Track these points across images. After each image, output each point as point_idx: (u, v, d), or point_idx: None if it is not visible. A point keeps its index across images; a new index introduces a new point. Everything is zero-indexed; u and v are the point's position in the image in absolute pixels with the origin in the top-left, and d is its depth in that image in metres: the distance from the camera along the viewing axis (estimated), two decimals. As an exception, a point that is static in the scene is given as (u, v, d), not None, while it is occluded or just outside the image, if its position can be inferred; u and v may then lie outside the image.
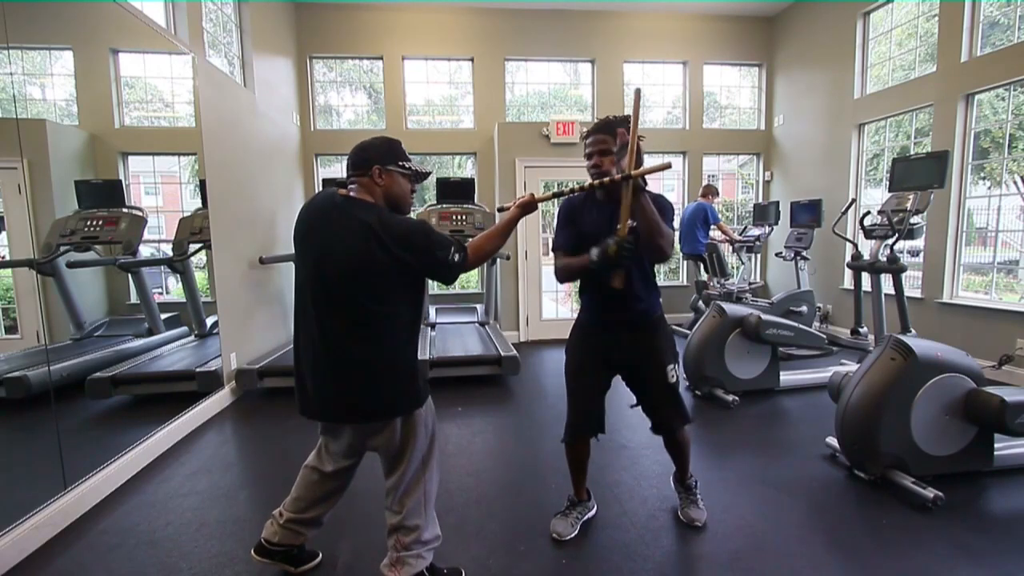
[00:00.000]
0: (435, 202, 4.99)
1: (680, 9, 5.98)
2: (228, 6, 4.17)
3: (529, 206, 1.65)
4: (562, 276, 1.81)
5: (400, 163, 1.42)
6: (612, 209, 1.70)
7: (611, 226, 1.65)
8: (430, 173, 1.58)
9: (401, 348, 1.43)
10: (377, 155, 1.40)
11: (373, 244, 1.31)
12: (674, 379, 1.81)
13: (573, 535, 1.89)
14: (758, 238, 5.49)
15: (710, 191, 5.36)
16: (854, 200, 4.65)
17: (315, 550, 1.76)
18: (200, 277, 3.64)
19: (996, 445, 2.25)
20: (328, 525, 1.73)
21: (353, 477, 1.67)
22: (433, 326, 4.93)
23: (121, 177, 2.93)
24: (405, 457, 1.49)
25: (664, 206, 1.70)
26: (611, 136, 1.70)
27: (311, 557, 1.73)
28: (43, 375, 2.14)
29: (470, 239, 1.62)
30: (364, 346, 1.37)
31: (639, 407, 1.90)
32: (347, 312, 1.36)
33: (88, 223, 2.71)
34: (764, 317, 3.27)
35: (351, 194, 1.41)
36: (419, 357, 3.80)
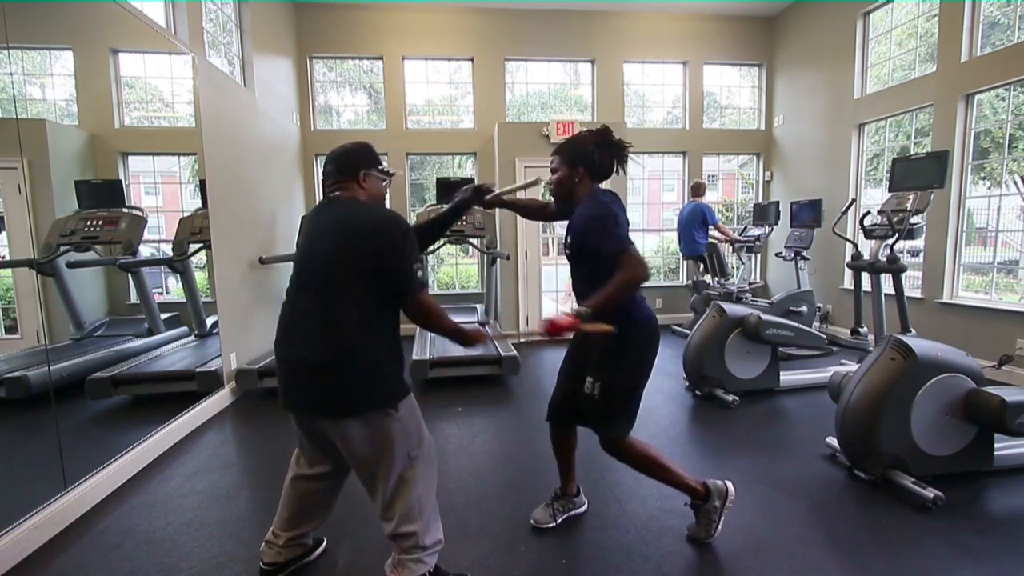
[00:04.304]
0: (435, 202, 4.99)
1: (680, 9, 5.98)
2: (228, 6, 4.17)
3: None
4: None
5: (378, 167, 1.54)
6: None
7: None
8: (395, 174, 1.68)
9: (368, 346, 1.40)
10: (362, 160, 1.51)
11: (381, 240, 1.38)
12: (588, 391, 1.70)
13: (551, 525, 1.93)
14: (758, 238, 5.48)
15: (701, 188, 5.37)
16: (854, 200, 4.65)
17: (320, 536, 1.79)
18: (200, 277, 3.64)
19: (996, 445, 2.25)
20: (328, 524, 1.73)
21: (340, 485, 1.66)
22: (433, 326, 4.91)
23: (121, 177, 2.93)
24: (380, 463, 1.42)
25: (597, 223, 1.60)
26: (557, 155, 1.77)
27: (318, 544, 1.78)
28: (43, 375, 2.14)
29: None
30: (336, 339, 1.37)
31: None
32: (331, 303, 1.38)
33: (88, 223, 2.71)
34: (764, 317, 3.27)
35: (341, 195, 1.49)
36: (419, 357, 3.82)
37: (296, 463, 1.63)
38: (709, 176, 6.44)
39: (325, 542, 1.81)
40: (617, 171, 1.80)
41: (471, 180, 5.20)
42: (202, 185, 3.39)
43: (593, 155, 1.71)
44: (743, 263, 5.71)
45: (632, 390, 1.73)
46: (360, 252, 1.37)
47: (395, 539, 1.47)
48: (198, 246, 3.45)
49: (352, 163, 1.49)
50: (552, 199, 1.89)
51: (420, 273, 1.42)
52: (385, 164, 1.58)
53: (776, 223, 5.40)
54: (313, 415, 1.44)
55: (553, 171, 1.79)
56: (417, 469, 1.47)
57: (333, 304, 1.37)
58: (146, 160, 3.30)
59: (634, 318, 1.68)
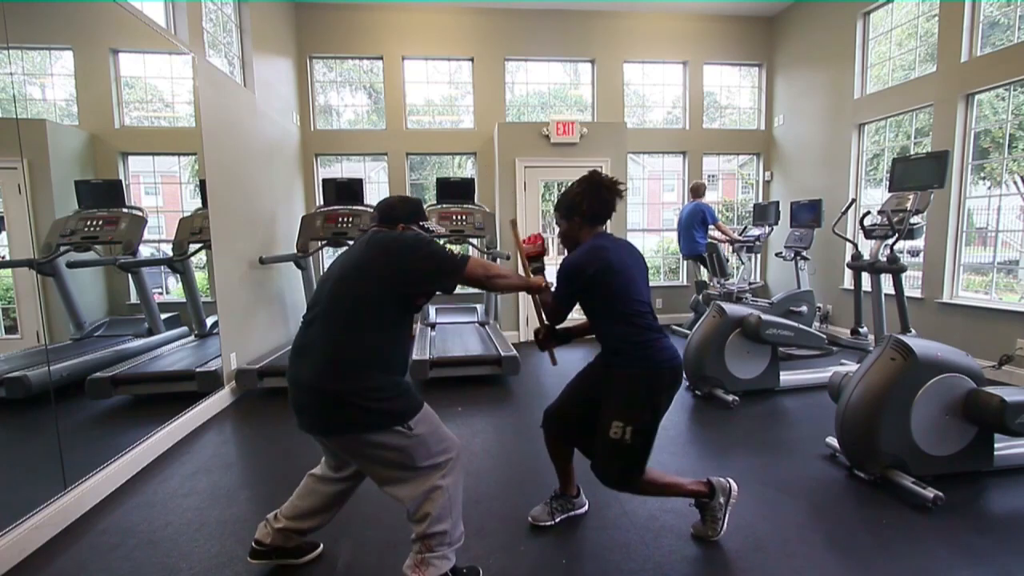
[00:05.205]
0: (435, 202, 4.99)
1: (680, 9, 5.98)
2: (228, 6, 4.17)
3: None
4: None
5: (420, 223, 1.66)
6: None
7: None
8: (437, 231, 1.74)
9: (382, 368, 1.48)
10: (404, 216, 1.64)
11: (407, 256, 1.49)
12: (618, 436, 1.63)
13: (549, 523, 1.95)
14: (758, 238, 5.48)
15: (702, 189, 5.37)
16: (854, 200, 4.64)
17: (316, 541, 1.79)
18: (200, 277, 3.64)
19: (996, 445, 2.25)
20: (329, 524, 1.73)
21: (353, 490, 1.69)
22: (433, 326, 4.92)
23: (121, 177, 2.93)
24: (405, 477, 1.47)
25: (559, 272, 1.78)
26: (556, 212, 1.89)
27: (312, 548, 1.77)
28: (43, 375, 2.14)
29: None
30: (345, 363, 1.41)
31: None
32: (344, 326, 1.43)
33: (88, 223, 2.71)
34: (764, 317, 3.27)
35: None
36: (420, 357, 3.83)
37: (322, 463, 1.68)
38: (709, 176, 6.44)
39: (321, 547, 1.80)
40: (618, 198, 1.81)
41: (471, 180, 5.19)
42: (202, 185, 3.39)
43: (582, 204, 1.77)
44: (743, 263, 5.72)
45: (656, 431, 1.71)
46: (385, 266, 1.44)
47: (424, 539, 1.47)
48: (198, 246, 3.45)
49: (393, 216, 1.62)
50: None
51: (457, 251, 1.56)
52: (432, 223, 1.69)
53: (776, 223, 5.40)
54: (330, 436, 1.47)
55: (558, 227, 1.89)
56: (449, 476, 1.51)
57: (345, 328, 1.40)
58: (146, 160, 3.30)
59: (659, 362, 1.68)
